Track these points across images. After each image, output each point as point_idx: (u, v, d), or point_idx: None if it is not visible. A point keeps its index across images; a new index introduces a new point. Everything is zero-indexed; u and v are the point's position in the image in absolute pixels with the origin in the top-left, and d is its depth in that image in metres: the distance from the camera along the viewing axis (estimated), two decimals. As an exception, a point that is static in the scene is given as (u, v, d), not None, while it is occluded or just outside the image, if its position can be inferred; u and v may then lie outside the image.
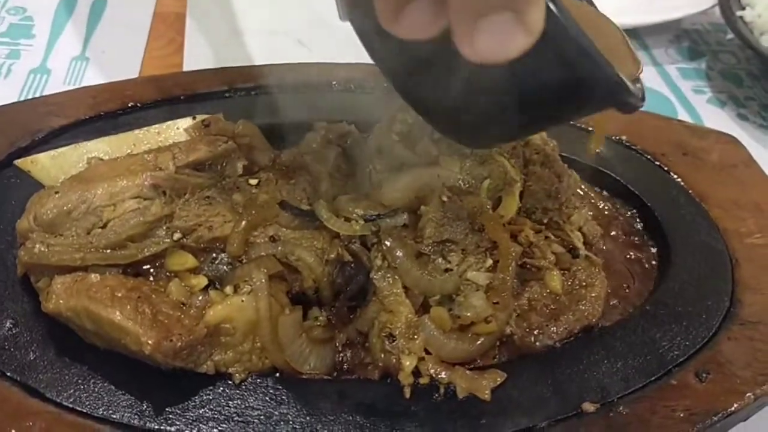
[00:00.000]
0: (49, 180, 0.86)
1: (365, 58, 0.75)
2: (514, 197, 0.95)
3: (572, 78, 0.61)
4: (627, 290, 1.01)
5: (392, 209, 0.88)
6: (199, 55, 1.45)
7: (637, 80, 0.72)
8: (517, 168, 0.98)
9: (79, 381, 0.78)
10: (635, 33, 1.76)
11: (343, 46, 1.41)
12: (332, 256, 0.86)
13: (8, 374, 0.77)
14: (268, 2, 1.64)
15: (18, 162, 0.89)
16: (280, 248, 0.83)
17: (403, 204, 0.90)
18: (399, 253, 0.85)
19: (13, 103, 1.10)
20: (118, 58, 1.42)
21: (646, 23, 1.69)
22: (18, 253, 0.81)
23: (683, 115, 1.52)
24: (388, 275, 0.85)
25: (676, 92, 1.61)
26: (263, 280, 0.79)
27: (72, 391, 0.77)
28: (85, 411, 0.75)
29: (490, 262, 0.89)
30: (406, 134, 0.98)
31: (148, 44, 1.48)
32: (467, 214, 0.90)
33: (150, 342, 0.72)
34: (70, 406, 0.76)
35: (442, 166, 0.95)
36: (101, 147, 0.88)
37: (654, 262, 1.05)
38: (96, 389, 0.77)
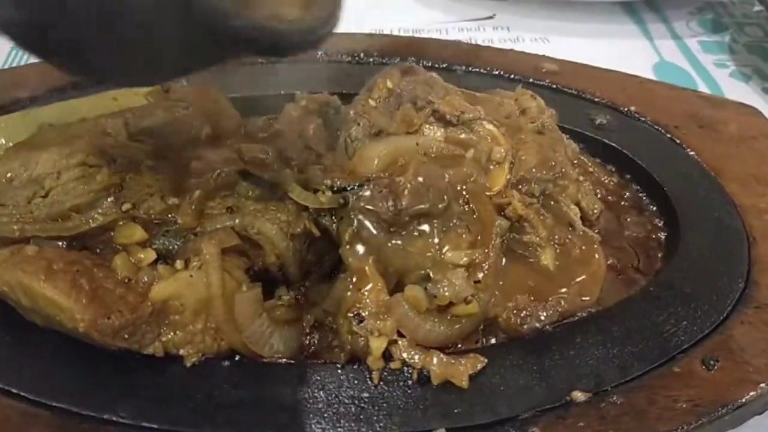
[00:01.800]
0: (-1, 148, 0.81)
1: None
2: (502, 168, 0.87)
3: None
4: (630, 270, 0.92)
5: (365, 179, 0.81)
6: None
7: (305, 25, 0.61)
8: (506, 136, 0.90)
9: (17, 361, 0.72)
10: (654, 5, 1.66)
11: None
12: (298, 230, 0.78)
13: (-58, 355, 0.72)
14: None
15: (-36, 129, 0.83)
16: (238, 220, 0.76)
17: (378, 174, 0.82)
18: (370, 227, 0.78)
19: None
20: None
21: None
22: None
23: (704, 90, 1.42)
24: (359, 250, 0.77)
25: (697, 66, 1.51)
26: (214, 254, 0.72)
27: (7, 372, 0.71)
28: (20, 394, 0.70)
29: (471, 237, 0.80)
30: (385, 100, 0.91)
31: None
32: (448, 184, 0.82)
33: (85, 319, 0.66)
34: (5, 387, 0.70)
35: (422, 134, 0.87)
36: (53, 113, 0.83)
37: (662, 240, 0.97)
38: (34, 371, 0.71)
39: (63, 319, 0.68)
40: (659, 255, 0.94)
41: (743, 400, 0.75)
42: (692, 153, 1.06)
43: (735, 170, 1.03)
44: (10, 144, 0.80)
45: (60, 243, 0.74)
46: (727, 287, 0.87)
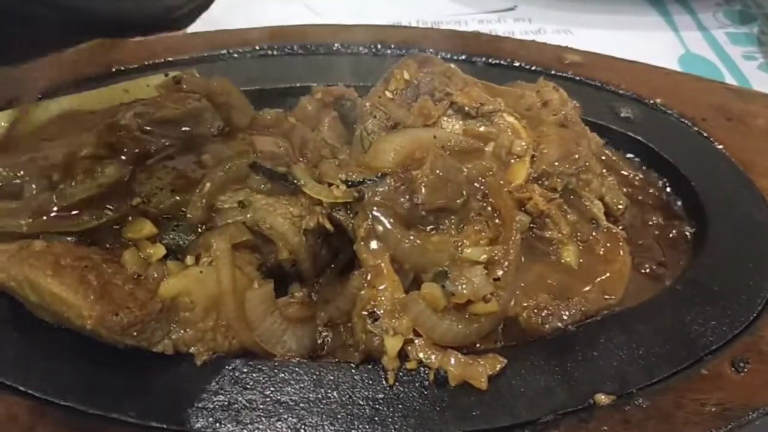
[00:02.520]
0: (6, 138, 0.79)
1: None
2: (523, 162, 0.84)
3: None
4: (656, 267, 0.89)
5: (380, 173, 0.78)
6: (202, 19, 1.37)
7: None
8: (527, 129, 0.87)
9: (25, 358, 0.71)
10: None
11: (353, 13, 1.34)
12: (311, 225, 0.76)
13: (-51, 351, 0.71)
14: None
15: (-28, 119, 0.82)
16: (249, 215, 0.74)
17: (394, 168, 0.79)
18: (386, 222, 0.75)
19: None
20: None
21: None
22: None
23: (731, 82, 1.38)
24: (374, 246, 0.75)
25: (724, 58, 1.46)
26: (225, 249, 0.70)
27: (15, 370, 0.70)
28: (28, 392, 0.68)
29: (491, 233, 0.77)
30: (402, 92, 0.88)
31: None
32: (466, 179, 0.79)
33: (92, 316, 0.64)
34: (12, 384, 0.68)
35: (440, 126, 0.84)
36: (63, 105, 0.81)
37: (689, 237, 0.93)
38: (42, 369, 0.70)
39: (71, 315, 0.66)
40: (686, 252, 0.91)
41: (776, 404, 0.72)
42: (720, 147, 1.03)
43: (766, 164, 0.99)
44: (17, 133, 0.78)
45: (69, 238, 0.72)
46: (757, 285, 0.84)
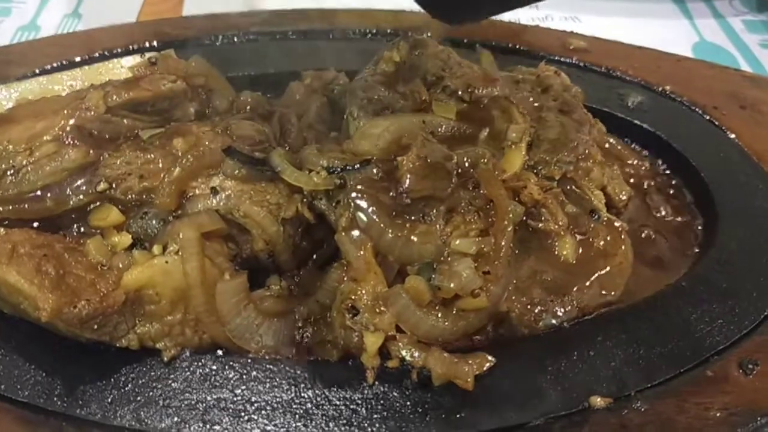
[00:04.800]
0: (-26, 125, 0.76)
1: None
2: (518, 149, 0.79)
3: None
4: (661, 262, 0.84)
5: (364, 160, 0.73)
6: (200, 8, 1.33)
7: None
8: (524, 115, 0.82)
9: (-18, 354, 0.67)
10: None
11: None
12: (290, 213, 0.72)
13: None
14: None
15: (-61, 104, 0.79)
16: (222, 202, 0.70)
17: (380, 154, 0.75)
18: (369, 211, 0.71)
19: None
20: (113, 15, 1.31)
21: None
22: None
23: (747, 71, 1.31)
24: (355, 236, 0.70)
25: (740, 46, 1.40)
26: (193, 238, 0.65)
27: (-27, 364, 0.66)
28: (-17, 388, 0.64)
29: (482, 224, 0.73)
30: (392, 74, 0.84)
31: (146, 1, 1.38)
32: (456, 165, 0.74)
33: (47, 308, 0.60)
34: (-32, 381, 0.65)
35: (431, 112, 0.79)
36: (31, 87, 0.77)
37: (697, 230, 0.88)
38: (1, 363, 0.66)
39: (27, 307, 0.62)
40: (694, 246, 0.86)
41: (786, 409, 0.66)
42: (732, 136, 0.98)
43: (781, 155, 0.94)
44: (-14, 120, 0.75)
45: (34, 225, 0.68)
46: (768, 283, 0.78)
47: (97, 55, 1.00)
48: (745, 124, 0.99)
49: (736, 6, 1.53)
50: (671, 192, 0.93)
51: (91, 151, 0.70)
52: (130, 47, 1.01)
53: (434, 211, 0.73)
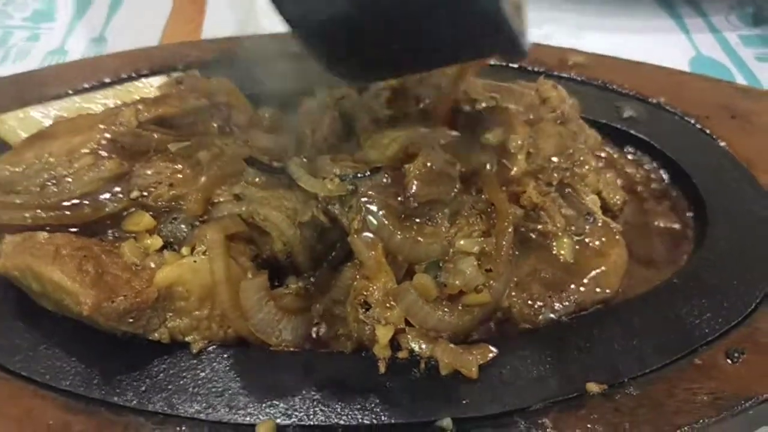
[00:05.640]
0: (17, 139, 0.83)
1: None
2: (518, 156, 0.85)
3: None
4: (655, 262, 0.89)
5: (374, 167, 0.79)
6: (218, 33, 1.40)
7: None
8: (524, 125, 0.88)
9: (29, 345, 0.73)
10: (692, 0, 1.62)
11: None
12: (306, 218, 0.78)
13: (-43, 338, 0.74)
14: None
15: (-15, 122, 0.86)
16: (244, 207, 0.76)
17: (388, 162, 0.81)
18: (380, 215, 0.77)
19: (9, 75, 1.07)
20: (136, 39, 1.39)
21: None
22: (-25, 213, 0.77)
23: (743, 83, 1.37)
24: (367, 238, 0.76)
25: (736, 60, 1.45)
26: (218, 239, 0.72)
27: (20, 356, 0.72)
28: (30, 376, 0.71)
29: (484, 225, 0.78)
30: (398, 89, 0.90)
31: (168, 24, 1.45)
32: (459, 172, 0.80)
33: (88, 303, 0.67)
34: (17, 371, 0.71)
35: (436, 122, 0.86)
36: (68, 105, 0.84)
37: (689, 232, 0.93)
38: (45, 354, 0.72)
39: (69, 302, 0.68)
40: (686, 247, 0.91)
41: (770, 394, 0.71)
42: (723, 144, 1.02)
43: (768, 161, 0.99)
44: (27, 135, 0.82)
45: (71, 230, 0.74)
46: (755, 279, 0.83)
47: (125, 76, 1.07)
48: (735, 133, 1.04)
49: (732, 21, 1.58)
50: (664, 196, 0.97)
51: (125, 163, 0.76)
52: (156, 68, 1.07)
53: (439, 214, 0.79)
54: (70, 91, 1.02)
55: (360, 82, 0.85)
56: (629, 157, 1.03)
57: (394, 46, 0.66)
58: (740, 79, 1.39)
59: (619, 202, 0.91)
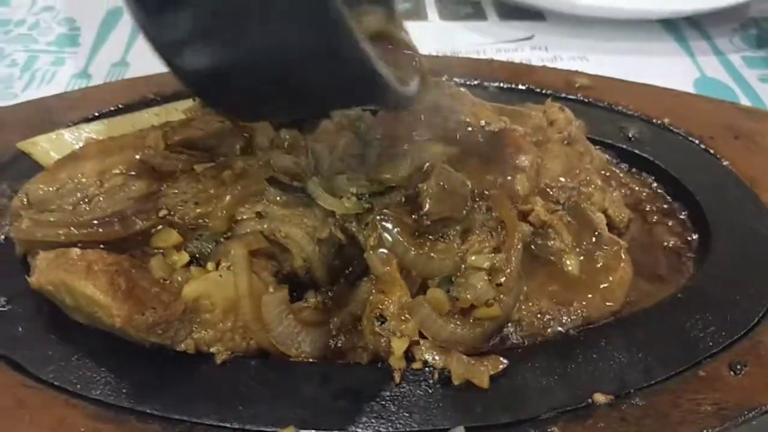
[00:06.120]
0: (49, 161, 0.87)
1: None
2: (527, 176, 0.89)
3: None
4: (659, 277, 0.92)
5: (388, 186, 0.83)
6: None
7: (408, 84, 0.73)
8: (531, 146, 0.92)
9: (61, 357, 0.77)
10: (696, 22, 1.66)
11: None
12: (324, 234, 0.81)
13: (-5, 349, 0.77)
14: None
15: (19, 144, 0.90)
16: (266, 225, 0.80)
17: (402, 182, 0.85)
18: (394, 232, 0.80)
19: (38, 99, 1.12)
20: (157, 63, 1.44)
21: (708, 9, 1.58)
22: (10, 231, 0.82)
23: (746, 104, 1.40)
24: (382, 254, 0.80)
25: (739, 80, 1.49)
26: (242, 255, 0.75)
27: (53, 366, 0.76)
28: (62, 386, 0.74)
29: (495, 242, 0.82)
30: (412, 113, 0.94)
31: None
32: (471, 191, 0.84)
33: (120, 315, 0.71)
34: (49, 381, 0.75)
35: (447, 143, 0.90)
36: (98, 128, 0.89)
37: (693, 249, 0.96)
38: (76, 365, 0.76)
39: (102, 315, 0.72)
40: (690, 263, 0.94)
41: (773, 405, 0.74)
42: (726, 163, 1.06)
43: (771, 180, 1.02)
44: (59, 157, 0.86)
45: (102, 246, 0.78)
46: (758, 294, 0.86)
47: (150, 99, 1.11)
48: (738, 153, 1.07)
49: (736, 43, 1.62)
50: (669, 214, 1.01)
51: (153, 183, 0.80)
52: (180, 92, 1.12)
53: (452, 231, 0.82)
54: (98, 114, 1.06)
55: (242, 120, 0.88)
56: (634, 176, 1.07)
57: (270, 95, 0.66)
58: (744, 100, 1.42)
59: (624, 220, 0.94)
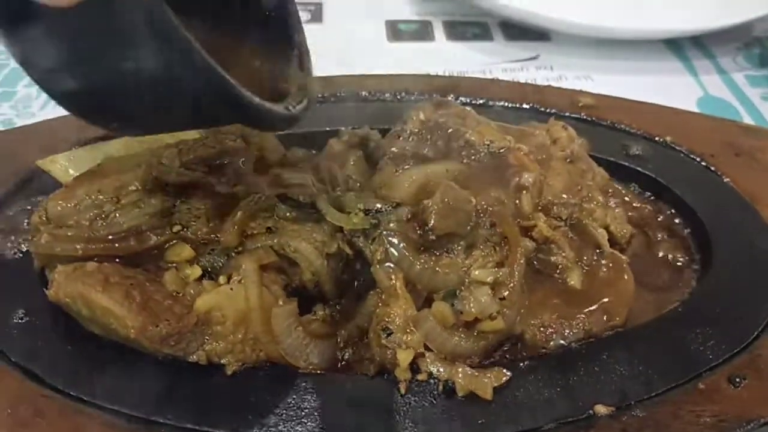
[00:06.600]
0: (68, 178, 0.90)
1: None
2: (530, 193, 0.91)
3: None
4: (661, 292, 0.94)
5: (395, 203, 0.86)
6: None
7: (290, 104, 0.75)
8: (535, 164, 0.94)
9: (77, 367, 0.79)
10: (699, 42, 1.68)
11: (390, 66, 1.43)
12: (333, 249, 0.84)
13: (13, 360, 0.80)
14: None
15: (39, 162, 0.93)
16: (276, 240, 0.82)
17: (409, 198, 0.87)
18: (400, 247, 0.83)
19: (56, 118, 1.15)
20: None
21: (712, 28, 1.61)
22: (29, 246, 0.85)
23: (749, 122, 1.42)
24: (389, 268, 0.82)
25: (742, 99, 1.51)
26: (253, 269, 0.78)
27: (68, 376, 0.78)
28: (78, 395, 0.77)
29: (498, 257, 0.84)
30: (418, 132, 0.97)
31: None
32: (474, 207, 0.86)
33: (135, 326, 0.73)
34: (66, 390, 0.77)
35: (451, 160, 0.92)
36: (115, 146, 0.92)
37: (695, 264, 0.98)
38: (91, 375, 0.78)
39: (117, 326, 0.75)
40: (691, 278, 0.96)
41: (771, 417, 0.75)
42: (727, 180, 1.07)
43: (771, 196, 1.04)
44: (77, 174, 0.89)
45: (117, 260, 0.81)
46: (757, 309, 0.87)
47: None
48: (739, 170, 1.09)
49: (739, 62, 1.65)
50: (670, 230, 1.03)
51: (168, 199, 0.83)
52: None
53: (456, 246, 0.85)
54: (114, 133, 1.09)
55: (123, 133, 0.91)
56: (636, 193, 1.09)
57: (138, 112, 0.69)
58: (747, 119, 1.44)
59: (626, 236, 0.96)
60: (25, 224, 0.95)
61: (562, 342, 0.84)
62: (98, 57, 0.62)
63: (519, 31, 1.72)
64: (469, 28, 1.77)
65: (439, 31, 1.77)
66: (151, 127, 0.77)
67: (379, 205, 0.86)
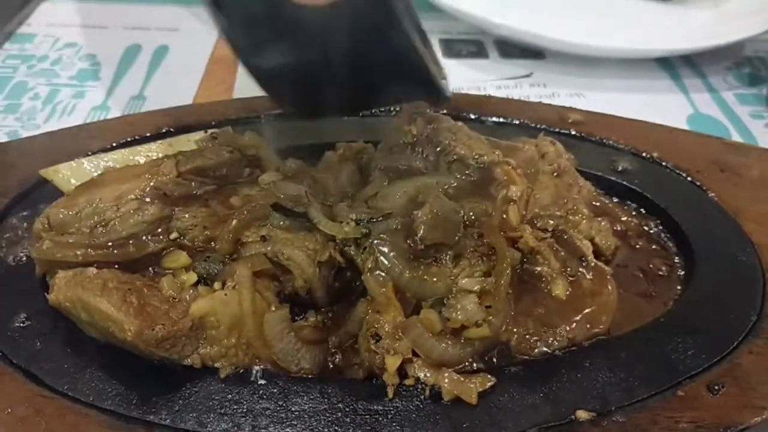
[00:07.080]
0: (70, 187, 0.93)
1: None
2: (517, 205, 0.94)
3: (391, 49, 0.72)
4: (644, 303, 0.96)
5: (386, 213, 0.89)
6: (247, 94, 1.52)
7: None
8: (522, 177, 0.97)
9: (76, 370, 0.82)
10: (690, 60, 1.72)
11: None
12: (324, 257, 0.87)
13: (14, 362, 0.83)
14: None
15: (42, 171, 0.97)
16: (270, 247, 0.85)
17: (400, 209, 0.90)
18: (391, 256, 0.86)
19: (59, 129, 1.19)
20: (173, 97, 1.51)
21: (703, 47, 1.64)
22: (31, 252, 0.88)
23: (738, 139, 1.45)
24: (379, 276, 0.85)
25: (732, 117, 1.54)
26: (246, 275, 0.81)
27: (68, 378, 0.81)
28: (76, 397, 0.79)
29: (485, 267, 0.87)
30: (409, 145, 1.00)
31: (201, 84, 1.58)
32: (463, 219, 0.89)
33: (132, 330, 0.76)
34: (64, 391, 0.80)
35: (441, 173, 0.95)
36: (116, 157, 0.95)
37: (678, 276, 1.00)
38: (90, 378, 0.81)
39: (114, 330, 0.77)
40: (674, 289, 0.98)
41: (748, 423, 0.78)
42: (712, 195, 1.10)
43: (754, 211, 1.07)
44: (79, 183, 0.92)
45: (116, 266, 0.84)
46: (738, 320, 0.90)
47: (164, 131, 1.18)
48: (724, 186, 1.12)
49: (729, 81, 1.68)
50: (655, 243, 1.05)
51: (166, 208, 0.86)
52: (193, 124, 1.18)
53: (445, 255, 0.87)
54: (115, 144, 1.13)
55: (312, 118, 1.03)
56: (623, 207, 1.11)
57: (337, 90, 0.80)
58: (736, 136, 1.47)
59: (611, 248, 0.99)
60: (27, 231, 0.98)
61: (546, 349, 0.86)
62: (329, 44, 0.73)
63: (514, 49, 1.76)
64: (465, 45, 1.81)
65: (436, 49, 1.80)
66: (340, 105, 0.88)
67: (370, 216, 0.88)
